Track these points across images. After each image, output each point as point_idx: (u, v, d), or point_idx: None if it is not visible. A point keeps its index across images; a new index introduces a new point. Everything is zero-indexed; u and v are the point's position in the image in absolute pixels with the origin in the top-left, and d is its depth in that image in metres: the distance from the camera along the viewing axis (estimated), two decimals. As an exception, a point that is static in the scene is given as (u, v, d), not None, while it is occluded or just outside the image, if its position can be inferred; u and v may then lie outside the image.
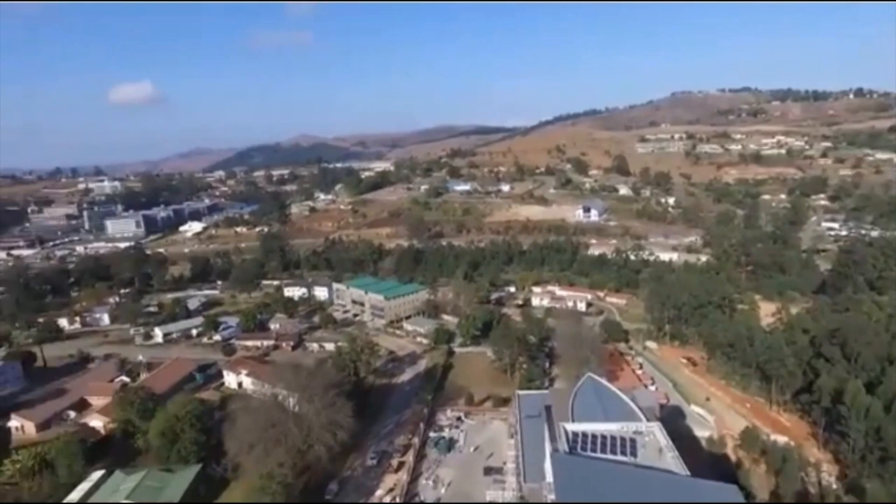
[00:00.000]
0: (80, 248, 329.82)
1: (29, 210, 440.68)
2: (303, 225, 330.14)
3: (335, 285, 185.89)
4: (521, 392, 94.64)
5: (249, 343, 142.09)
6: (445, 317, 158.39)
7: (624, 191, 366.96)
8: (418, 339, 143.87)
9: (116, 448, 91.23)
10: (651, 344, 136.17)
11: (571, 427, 62.48)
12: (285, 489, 71.45)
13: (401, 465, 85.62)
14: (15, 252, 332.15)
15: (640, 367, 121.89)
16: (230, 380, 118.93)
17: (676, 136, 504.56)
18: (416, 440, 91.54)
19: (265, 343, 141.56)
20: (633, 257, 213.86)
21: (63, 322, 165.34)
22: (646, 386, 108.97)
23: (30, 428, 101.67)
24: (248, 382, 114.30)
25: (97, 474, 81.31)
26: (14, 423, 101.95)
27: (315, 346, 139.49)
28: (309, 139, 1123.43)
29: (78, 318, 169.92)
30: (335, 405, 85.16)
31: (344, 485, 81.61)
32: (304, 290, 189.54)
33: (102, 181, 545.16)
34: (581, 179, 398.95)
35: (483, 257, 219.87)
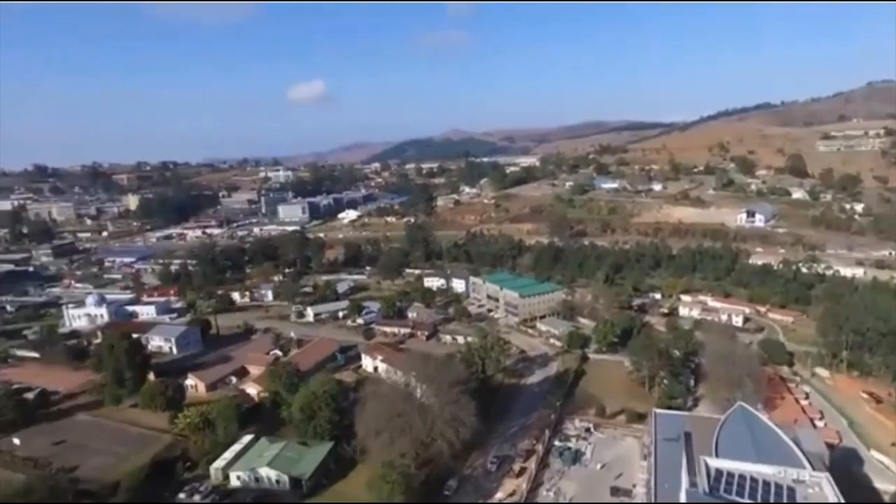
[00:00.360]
0: (256, 230, 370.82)
1: (220, 194, 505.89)
2: (447, 217, 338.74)
3: (472, 279, 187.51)
4: (658, 410, 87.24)
5: (388, 329, 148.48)
6: (581, 320, 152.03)
7: (798, 194, 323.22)
8: (551, 340, 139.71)
9: (265, 416, 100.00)
10: (822, 371, 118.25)
11: (714, 462, 55.53)
12: (405, 479, 72.77)
13: (522, 470, 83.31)
14: (208, 230, 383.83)
15: (807, 398, 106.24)
16: (367, 363, 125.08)
17: (872, 132, 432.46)
18: (539, 447, 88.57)
19: (402, 331, 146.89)
20: (805, 270, 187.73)
21: (236, 295, 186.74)
22: (812, 421, 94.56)
23: (201, 388, 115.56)
24: (382, 368, 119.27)
25: (247, 438, 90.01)
26: (190, 381, 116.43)
27: (448, 338, 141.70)
28: (459, 134, 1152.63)
29: (248, 293, 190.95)
30: (459, 401, 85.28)
31: (463, 483, 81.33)
32: (442, 281, 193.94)
33: (278, 171, 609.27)
34: (746, 180, 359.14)
35: (627, 260, 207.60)
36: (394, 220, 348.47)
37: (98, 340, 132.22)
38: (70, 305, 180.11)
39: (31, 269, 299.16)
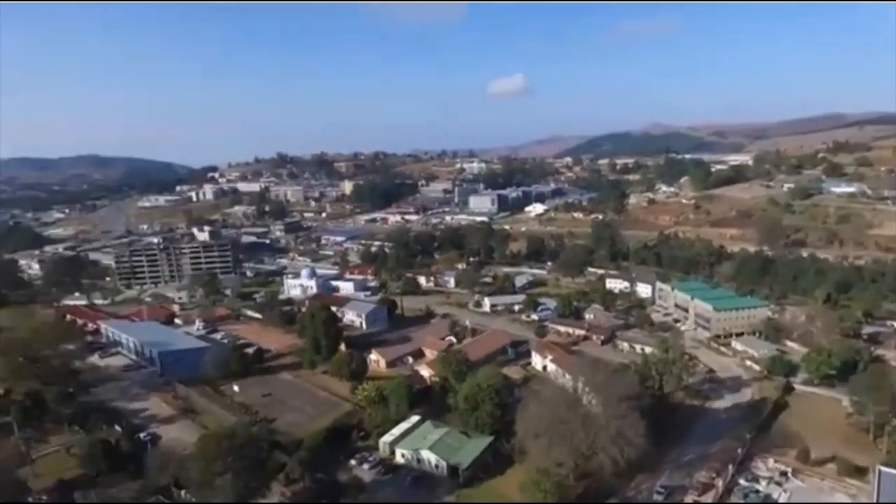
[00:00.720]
0: (448, 219, 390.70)
1: (420, 183, 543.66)
2: (638, 216, 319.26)
3: (660, 284, 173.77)
4: (884, 469, 71.27)
5: (562, 328, 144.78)
6: (789, 343, 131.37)
7: None
8: (748, 362, 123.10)
9: (433, 399, 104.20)
10: None
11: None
12: (559, 489, 70.01)
13: (695, 506, 74.76)
14: (406, 216, 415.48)
15: None
16: (536, 361, 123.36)
17: None
18: (720, 483, 78.48)
19: (576, 332, 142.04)
20: None
21: (422, 279, 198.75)
22: None
23: (382, 364, 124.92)
24: (551, 368, 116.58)
25: (414, 418, 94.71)
26: (373, 356, 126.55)
27: (625, 345, 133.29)
28: (661, 128, 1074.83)
29: (433, 278, 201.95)
30: (628, 417, 79.32)
31: (623, 506, 75.65)
32: (626, 283, 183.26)
33: (473, 162, 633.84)
34: None
35: (860, 278, 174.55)
36: (580, 216, 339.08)
37: (304, 309, 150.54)
38: (289, 276, 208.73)
39: (267, 241, 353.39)
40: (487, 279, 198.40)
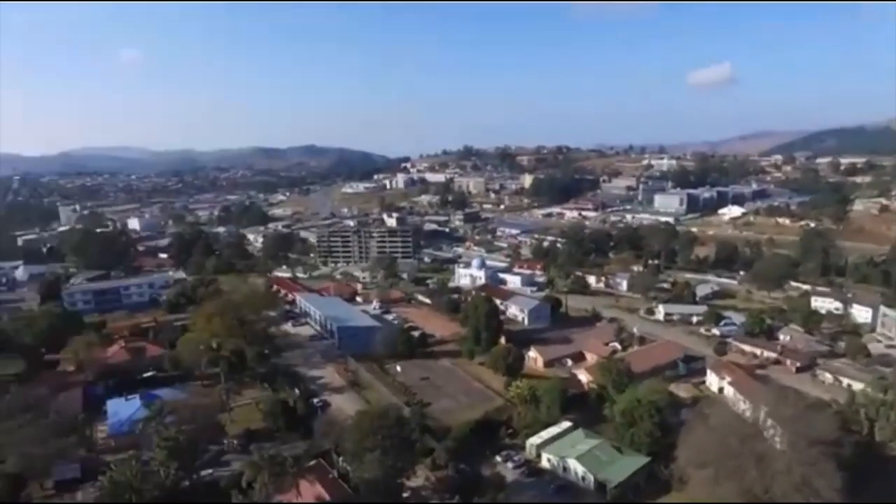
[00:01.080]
0: (628, 217, 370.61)
1: (601, 179, 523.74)
2: (864, 225, 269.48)
3: (884, 309, 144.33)
4: None
5: (747, 348, 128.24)
6: None
7: None
8: None
9: (588, 407, 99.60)
10: None
11: None
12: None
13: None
14: (584, 213, 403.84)
15: None
16: (712, 381, 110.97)
17: None
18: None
19: (766, 354, 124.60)
20: None
21: (591, 279, 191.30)
22: None
23: (540, 362, 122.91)
24: (729, 392, 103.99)
25: (565, 424, 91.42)
26: (531, 353, 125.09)
27: (828, 377, 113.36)
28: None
29: (603, 279, 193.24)
30: (819, 465, 67.30)
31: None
32: (838, 304, 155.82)
33: (662, 158, 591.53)
34: None
35: None
36: (787, 221, 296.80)
37: (469, 299, 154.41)
38: (461, 265, 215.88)
39: (447, 230, 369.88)
40: (665, 285, 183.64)
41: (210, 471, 73.45)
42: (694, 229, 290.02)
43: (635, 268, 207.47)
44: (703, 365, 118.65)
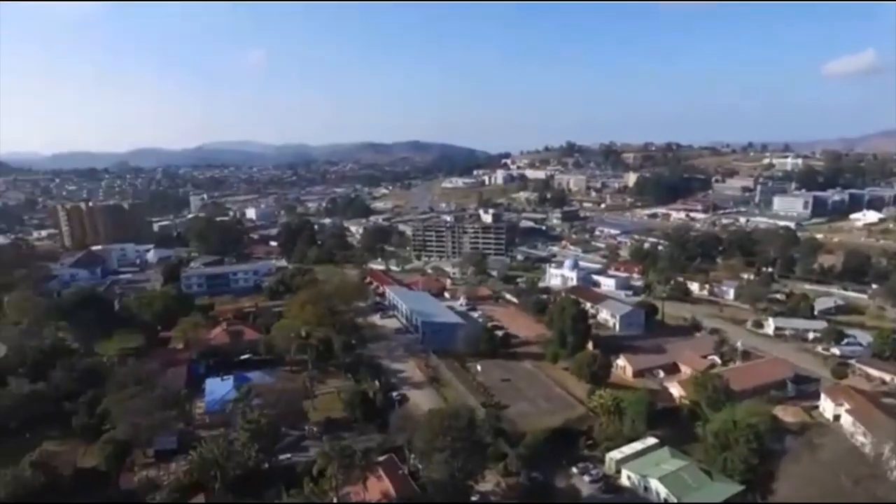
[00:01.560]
0: (741, 220, 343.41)
1: (714, 179, 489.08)
2: None
3: None
4: None
5: (874, 372, 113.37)
6: None
7: None
8: None
9: (678, 423, 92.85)
10: None
11: None
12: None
13: None
14: (692, 214, 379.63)
15: None
16: (826, 407, 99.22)
17: None
18: None
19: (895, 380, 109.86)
20: None
21: (694, 286, 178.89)
22: None
23: (628, 371, 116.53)
24: (846, 421, 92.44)
25: (650, 440, 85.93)
26: (620, 361, 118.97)
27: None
28: None
29: (707, 286, 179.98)
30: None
31: None
32: None
33: (786, 157, 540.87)
34: None
35: None
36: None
37: (557, 301, 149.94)
38: (553, 265, 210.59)
39: (543, 227, 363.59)
40: (778, 296, 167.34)
41: (289, 455, 76.81)
42: (819, 235, 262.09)
43: (745, 275, 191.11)
44: (816, 388, 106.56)
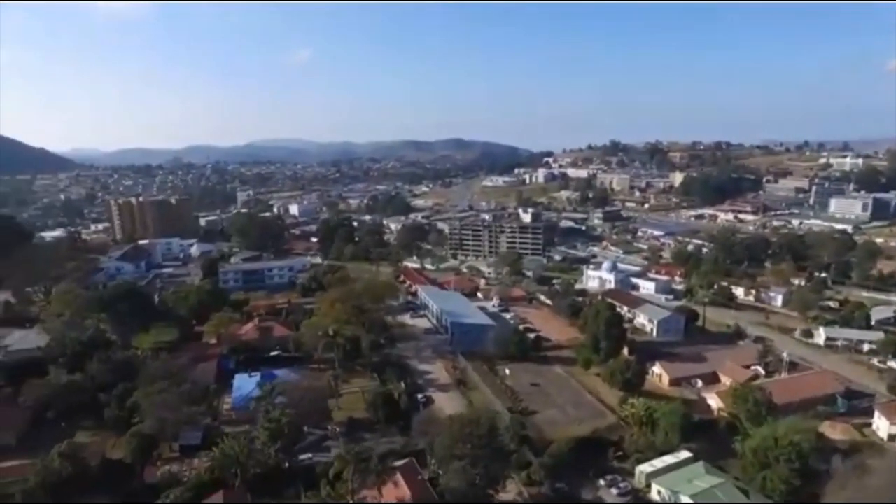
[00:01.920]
0: (794, 223, 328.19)
1: (765, 179, 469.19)
2: None
3: None
4: None
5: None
6: None
7: None
8: None
9: (715, 437, 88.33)
10: None
11: None
12: None
13: None
14: (741, 216, 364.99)
15: None
16: (880, 425, 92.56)
17: None
18: None
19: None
20: None
21: (739, 291, 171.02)
22: None
23: (664, 380, 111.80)
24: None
25: (684, 454, 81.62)
26: (656, 369, 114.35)
27: None
28: None
29: (753, 292, 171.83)
30: None
31: None
32: None
33: (845, 157, 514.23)
34: None
35: None
36: None
37: (591, 304, 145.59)
38: (590, 266, 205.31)
39: (583, 227, 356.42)
40: (831, 304, 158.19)
41: (310, 455, 76.50)
42: (879, 240, 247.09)
43: (796, 281, 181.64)
44: (870, 404, 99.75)
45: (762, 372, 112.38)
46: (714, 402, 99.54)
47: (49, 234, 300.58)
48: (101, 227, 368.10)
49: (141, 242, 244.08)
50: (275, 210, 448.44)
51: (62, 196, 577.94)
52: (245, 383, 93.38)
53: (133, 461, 72.95)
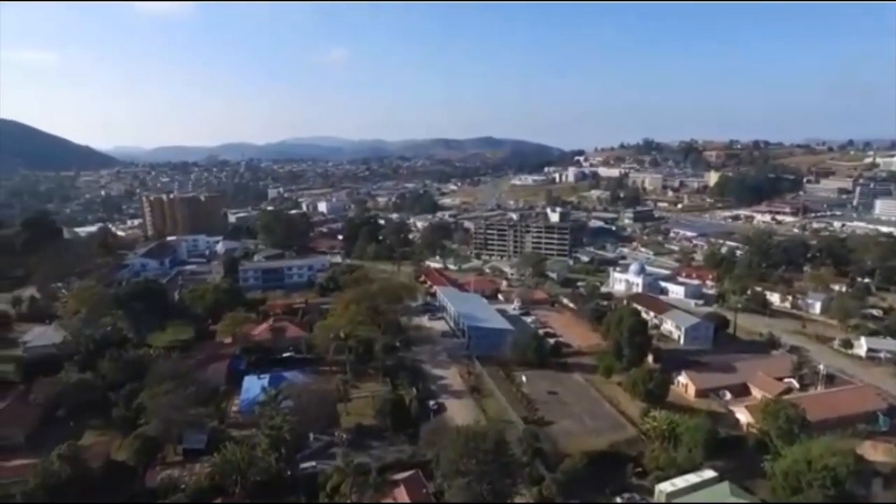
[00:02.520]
0: (836, 225, 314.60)
1: (805, 180, 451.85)
2: None
3: None
4: None
5: None
6: None
7: None
8: None
9: (743, 455, 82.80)
10: None
11: None
12: None
13: None
14: (779, 217, 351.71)
15: None
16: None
17: None
18: None
19: None
20: None
21: (774, 297, 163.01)
22: None
23: (690, 390, 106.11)
24: (950, 465, 79.31)
25: (708, 473, 76.34)
26: (682, 378, 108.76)
27: None
28: None
29: (789, 298, 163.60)
30: None
31: None
32: None
33: (892, 156, 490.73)
34: None
35: None
36: None
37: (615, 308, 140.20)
38: (617, 269, 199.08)
39: (613, 228, 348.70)
40: (874, 311, 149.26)
41: (313, 463, 74.25)
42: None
43: (836, 287, 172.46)
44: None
45: (796, 385, 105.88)
46: (743, 416, 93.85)
47: (83, 230, 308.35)
48: (136, 222, 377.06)
49: (170, 239, 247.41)
50: (304, 207, 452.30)
51: (103, 192, 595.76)
52: (254, 385, 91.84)
53: (135, 464, 71.91)
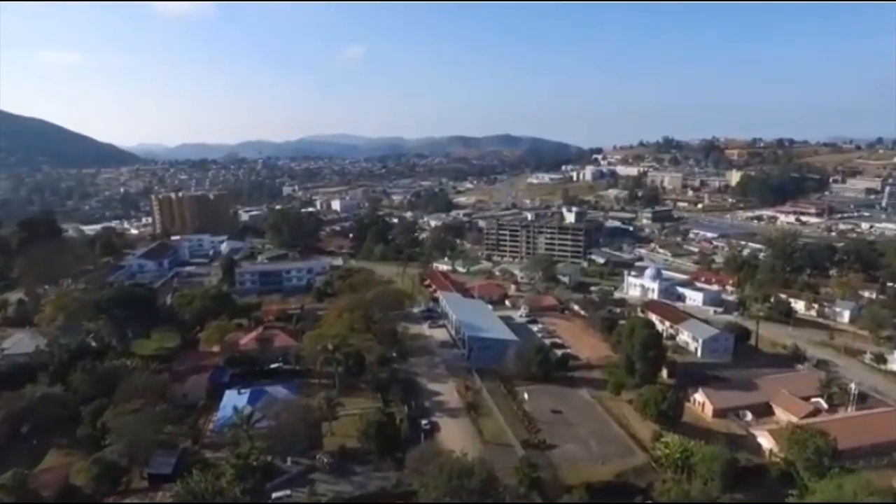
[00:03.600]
0: (864, 226, 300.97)
1: (831, 179, 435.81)
2: None
3: None
4: None
5: None
6: None
7: None
8: None
9: (765, 486, 74.61)
10: None
11: None
12: None
13: None
14: (803, 218, 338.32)
15: None
16: (973, 482, 76.54)
17: None
18: None
19: None
20: None
21: (799, 305, 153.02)
22: None
23: (707, 409, 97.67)
24: None
25: (725, 509, 69.04)
26: (699, 396, 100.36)
27: None
28: None
29: (815, 306, 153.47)
30: None
31: None
32: None
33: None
34: None
35: None
36: None
37: (627, 318, 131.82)
38: (631, 273, 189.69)
39: (630, 228, 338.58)
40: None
41: (288, 492, 67.80)
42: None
43: (866, 294, 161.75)
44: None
45: (824, 405, 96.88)
46: (765, 441, 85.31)
47: (92, 228, 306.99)
48: (150, 220, 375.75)
49: (174, 238, 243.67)
50: (318, 205, 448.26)
51: (122, 189, 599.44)
52: (234, 400, 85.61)
53: (93, 492, 66.05)
